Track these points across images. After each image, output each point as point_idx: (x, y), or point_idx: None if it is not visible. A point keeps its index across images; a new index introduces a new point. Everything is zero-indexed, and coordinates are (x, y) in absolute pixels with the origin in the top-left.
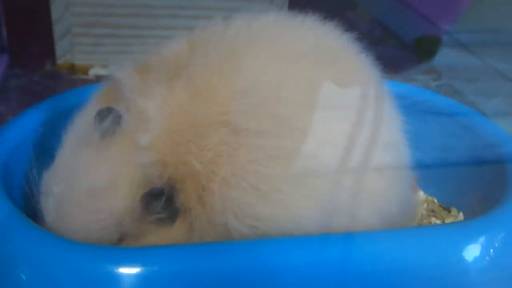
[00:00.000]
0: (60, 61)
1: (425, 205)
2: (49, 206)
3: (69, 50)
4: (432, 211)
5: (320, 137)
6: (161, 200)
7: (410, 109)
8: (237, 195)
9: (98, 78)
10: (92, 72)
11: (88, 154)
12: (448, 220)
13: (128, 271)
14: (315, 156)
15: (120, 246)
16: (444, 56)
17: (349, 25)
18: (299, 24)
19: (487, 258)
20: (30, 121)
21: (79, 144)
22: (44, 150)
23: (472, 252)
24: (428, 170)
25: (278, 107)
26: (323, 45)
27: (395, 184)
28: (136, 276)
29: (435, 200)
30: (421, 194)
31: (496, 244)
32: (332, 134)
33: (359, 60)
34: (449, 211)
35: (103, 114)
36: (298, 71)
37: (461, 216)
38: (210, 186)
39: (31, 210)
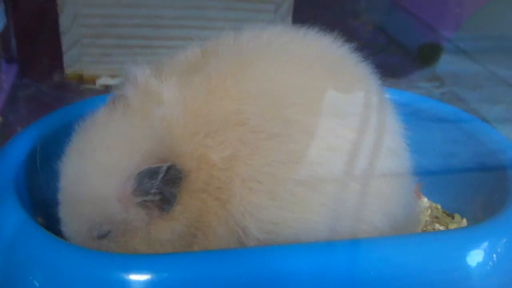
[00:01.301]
0: (68, 71)
1: (429, 211)
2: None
3: (77, 60)
4: (436, 217)
5: (330, 143)
6: (157, 178)
7: (413, 117)
8: (256, 199)
9: (106, 88)
10: (100, 82)
11: (92, 133)
12: (452, 226)
13: (138, 277)
14: (326, 161)
15: (108, 240)
16: (447, 64)
17: (353, 34)
18: (303, 36)
19: (490, 263)
20: (40, 132)
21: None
22: (54, 160)
23: (475, 257)
24: (432, 177)
25: (290, 113)
26: (327, 55)
27: (399, 188)
28: (146, 282)
29: (439, 207)
30: (425, 201)
31: (499, 250)
32: (341, 140)
33: (360, 68)
34: (453, 217)
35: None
36: (307, 79)
37: (464, 222)
38: (231, 186)
39: (43, 217)
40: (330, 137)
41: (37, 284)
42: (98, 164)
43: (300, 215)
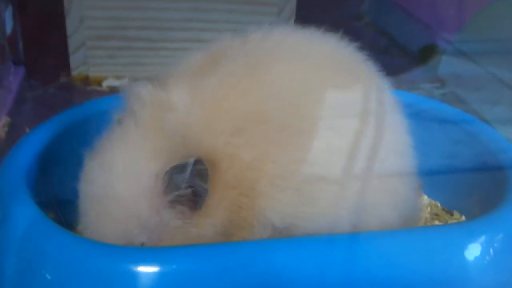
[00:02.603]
0: (74, 73)
1: (429, 209)
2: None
3: (83, 62)
4: (436, 214)
5: (353, 139)
6: (185, 172)
7: (414, 117)
8: (281, 195)
9: (112, 89)
10: (106, 84)
11: (110, 147)
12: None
13: (149, 269)
14: (350, 158)
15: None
16: (448, 65)
17: (355, 36)
18: (310, 35)
19: (487, 258)
20: (50, 131)
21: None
22: (64, 158)
23: (472, 251)
24: (432, 175)
25: (313, 110)
26: (337, 53)
27: (407, 185)
28: (157, 274)
29: (439, 204)
30: (425, 199)
31: (496, 245)
32: (363, 137)
33: (368, 67)
34: (452, 214)
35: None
36: (324, 76)
37: (463, 219)
38: (259, 184)
39: (54, 213)
40: (353, 134)
41: (49, 278)
42: (123, 172)
43: (323, 210)
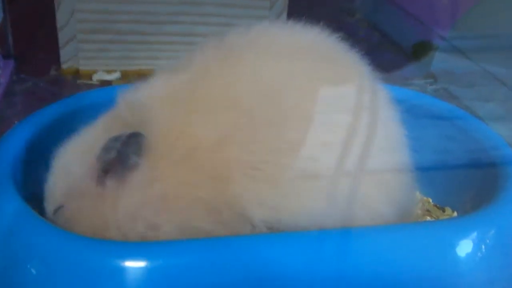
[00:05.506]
0: (64, 66)
1: (421, 205)
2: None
3: (73, 55)
4: (428, 210)
5: (330, 129)
6: (117, 142)
7: (406, 113)
8: (257, 187)
9: (102, 83)
10: (96, 77)
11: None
12: None
13: (134, 264)
14: (327, 149)
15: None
16: (441, 61)
17: (347, 31)
18: (290, 28)
19: (479, 254)
20: (37, 124)
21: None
22: (50, 151)
23: (464, 247)
24: (423, 171)
25: (287, 99)
26: (317, 44)
27: (402, 177)
28: (142, 269)
29: (430, 200)
30: (417, 195)
31: (488, 241)
32: (341, 127)
33: (351, 56)
34: (444, 211)
35: None
36: (300, 66)
37: (455, 215)
38: (228, 172)
39: (40, 207)
40: (330, 124)
41: (34, 272)
42: (77, 144)
43: (301, 203)
